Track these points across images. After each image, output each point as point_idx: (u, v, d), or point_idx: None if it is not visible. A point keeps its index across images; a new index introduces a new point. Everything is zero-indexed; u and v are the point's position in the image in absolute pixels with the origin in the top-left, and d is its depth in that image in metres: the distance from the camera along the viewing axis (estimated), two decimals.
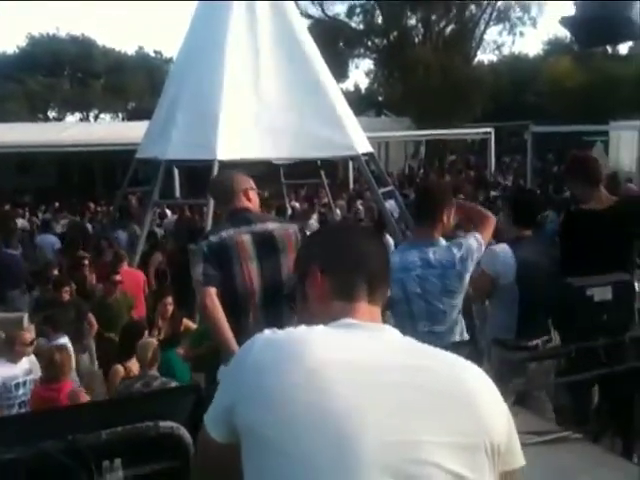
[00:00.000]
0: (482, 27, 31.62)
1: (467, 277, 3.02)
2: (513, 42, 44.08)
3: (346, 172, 19.82)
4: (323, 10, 31.00)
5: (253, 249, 2.98)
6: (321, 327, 1.15)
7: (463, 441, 1.03)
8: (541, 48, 38.56)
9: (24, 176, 20.58)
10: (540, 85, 29.86)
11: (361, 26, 32.25)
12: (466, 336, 3.09)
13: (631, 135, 15.47)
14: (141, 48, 41.21)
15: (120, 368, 4.78)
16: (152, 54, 40.49)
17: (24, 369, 4.73)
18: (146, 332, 5.23)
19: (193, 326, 5.80)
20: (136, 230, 9.44)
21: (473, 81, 27.63)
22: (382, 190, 9.83)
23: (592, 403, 3.15)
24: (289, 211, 12.22)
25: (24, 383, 4.68)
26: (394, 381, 1.06)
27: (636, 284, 3.30)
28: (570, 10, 5.35)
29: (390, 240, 8.54)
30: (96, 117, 38.75)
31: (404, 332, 1.19)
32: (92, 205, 15.30)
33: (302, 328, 1.15)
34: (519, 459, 1.14)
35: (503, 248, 3.37)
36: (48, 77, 35.37)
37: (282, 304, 2.97)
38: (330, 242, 1.30)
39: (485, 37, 32.59)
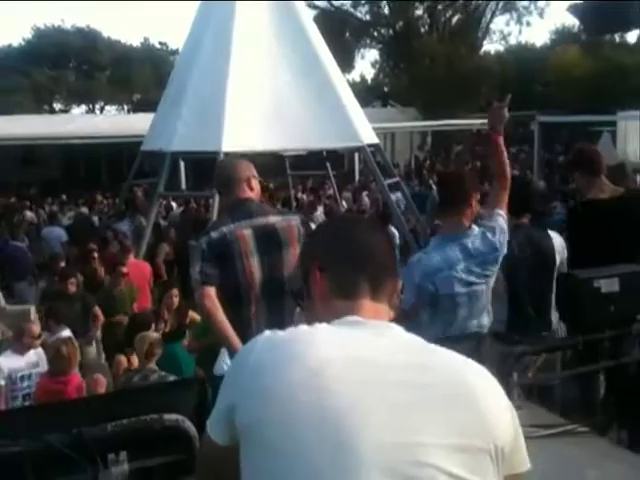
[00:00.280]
0: (488, 17, 31.53)
1: (501, 258, 3.03)
2: (520, 32, 43.70)
3: (352, 163, 19.74)
4: (329, 0, 30.95)
5: (254, 244, 2.95)
6: (324, 325, 1.14)
7: (465, 443, 1.01)
8: (548, 37, 38.36)
9: (30, 168, 20.62)
10: (547, 75, 29.58)
11: (367, 16, 32.15)
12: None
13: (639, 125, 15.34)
14: (146, 40, 41.16)
15: (123, 358, 4.79)
16: (157, 46, 40.45)
17: (30, 362, 4.74)
18: (153, 324, 5.25)
19: (199, 318, 5.80)
20: (142, 222, 9.46)
21: (479, 71, 27.49)
22: (388, 181, 9.80)
23: (598, 395, 3.14)
24: (294, 203, 12.21)
25: (29, 376, 4.69)
26: (397, 380, 1.04)
27: None
28: None
29: (395, 232, 8.51)
30: (102, 109, 38.81)
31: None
32: (99, 197, 15.33)
33: (304, 327, 1.14)
34: (525, 462, 1.11)
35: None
36: (54, 69, 35.38)
37: (284, 299, 2.95)
38: (329, 239, 1.27)
39: (492, 27, 32.57)
